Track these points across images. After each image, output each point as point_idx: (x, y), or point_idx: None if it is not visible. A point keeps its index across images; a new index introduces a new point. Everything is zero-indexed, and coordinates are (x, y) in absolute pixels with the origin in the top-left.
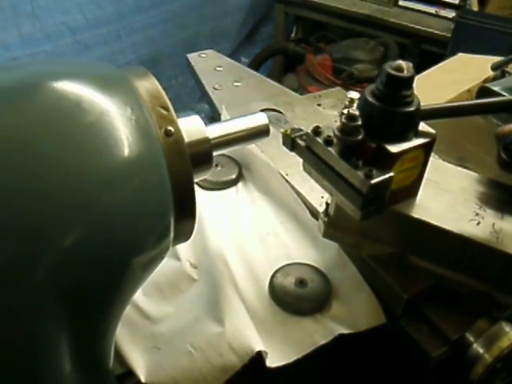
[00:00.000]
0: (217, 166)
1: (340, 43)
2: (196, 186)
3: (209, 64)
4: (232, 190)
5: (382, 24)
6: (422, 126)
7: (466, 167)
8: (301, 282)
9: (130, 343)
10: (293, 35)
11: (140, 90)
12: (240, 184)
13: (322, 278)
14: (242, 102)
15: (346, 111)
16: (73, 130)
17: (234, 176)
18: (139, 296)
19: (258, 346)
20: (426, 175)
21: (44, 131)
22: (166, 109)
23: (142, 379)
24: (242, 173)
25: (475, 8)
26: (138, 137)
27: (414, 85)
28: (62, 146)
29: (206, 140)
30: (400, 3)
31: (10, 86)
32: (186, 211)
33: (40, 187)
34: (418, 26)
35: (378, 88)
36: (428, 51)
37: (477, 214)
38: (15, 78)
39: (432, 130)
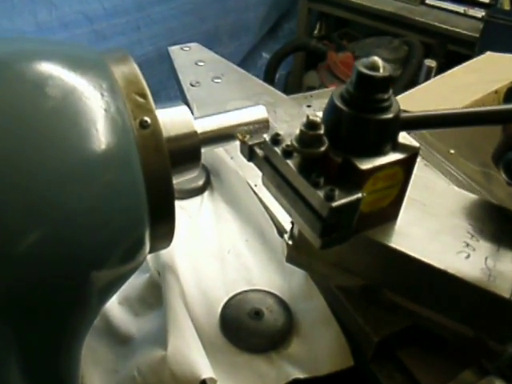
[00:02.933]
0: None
1: (363, 41)
2: None
3: (190, 58)
4: (196, 199)
5: (407, 22)
6: (403, 138)
7: (489, 173)
8: (256, 314)
9: (91, 364)
10: (316, 32)
11: (115, 74)
12: (206, 193)
13: (283, 310)
14: (218, 100)
15: (306, 118)
16: (29, 117)
17: (200, 183)
18: (113, 310)
19: (205, 373)
20: (411, 195)
21: None
22: (143, 96)
23: None
24: (210, 180)
25: (507, 7)
26: (108, 127)
27: (437, 84)
28: (14, 135)
29: (194, 134)
30: (427, 1)
31: None
32: (163, 215)
33: None
34: (444, 26)
35: (347, 90)
36: (454, 52)
37: (467, 245)
38: None
39: (415, 143)
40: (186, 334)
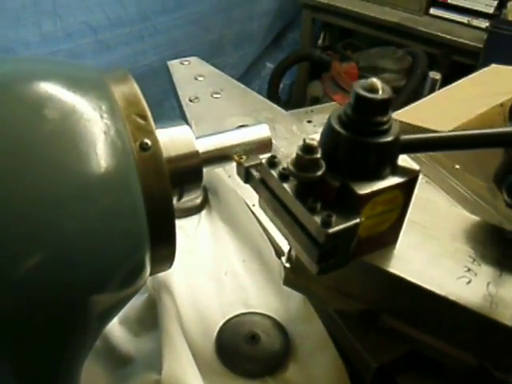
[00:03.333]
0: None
1: (367, 51)
2: None
3: (190, 72)
4: (194, 218)
5: (412, 33)
6: (403, 160)
7: (494, 189)
8: (253, 338)
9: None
10: (320, 42)
11: (116, 94)
12: (204, 212)
13: (280, 334)
14: (217, 116)
15: (302, 141)
16: (27, 140)
17: (197, 202)
18: (113, 330)
19: None
20: (410, 216)
21: None
22: (144, 118)
23: None
24: (207, 199)
25: (511, 17)
26: (107, 150)
27: (442, 97)
28: (11, 158)
29: (195, 154)
30: (431, 12)
31: None
32: (163, 238)
33: None
34: (448, 36)
35: (345, 113)
36: (458, 62)
37: (468, 270)
38: None
39: (415, 166)
40: (181, 358)
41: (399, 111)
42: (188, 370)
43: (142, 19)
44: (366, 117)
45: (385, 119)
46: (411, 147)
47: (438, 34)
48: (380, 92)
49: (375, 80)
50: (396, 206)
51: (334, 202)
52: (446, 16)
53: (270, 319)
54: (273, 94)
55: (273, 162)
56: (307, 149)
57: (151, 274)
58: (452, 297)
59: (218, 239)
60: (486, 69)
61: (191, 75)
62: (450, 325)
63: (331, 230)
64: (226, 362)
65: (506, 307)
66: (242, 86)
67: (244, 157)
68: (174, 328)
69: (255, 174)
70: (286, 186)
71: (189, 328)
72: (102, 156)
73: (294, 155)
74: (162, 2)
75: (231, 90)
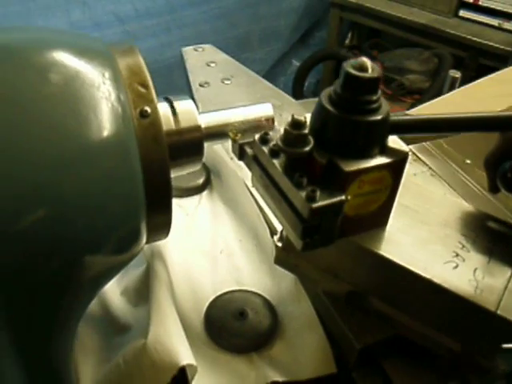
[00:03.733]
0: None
1: (393, 52)
2: None
3: (202, 59)
4: (195, 198)
5: (439, 35)
6: (393, 142)
7: None
8: (241, 314)
9: (87, 353)
10: (347, 41)
11: (120, 64)
12: (205, 193)
13: (269, 312)
14: (225, 101)
15: (291, 116)
16: (29, 102)
17: (199, 182)
18: (114, 300)
19: (184, 359)
20: (403, 201)
21: None
22: (145, 87)
23: None
24: (210, 179)
25: None
26: (108, 115)
27: (461, 95)
28: (14, 118)
29: (197, 128)
30: (461, 14)
31: None
32: (159, 205)
33: None
34: (476, 39)
35: (335, 91)
36: (486, 65)
37: (456, 255)
38: None
39: (405, 148)
40: (167, 322)
41: (417, 107)
42: (173, 333)
43: (169, 11)
44: (354, 95)
45: (374, 98)
46: (401, 128)
47: (466, 36)
48: (369, 71)
49: (365, 59)
50: (384, 186)
51: (321, 179)
52: (477, 18)
53: (260, 297)
54: (298, 92)
55: (265, 139)
56: (295, 124)
57: (148, 242)
58: (437, 280)
59: (216, 218)
60: (506, 69)
61: (204, 61)
62: (434, 309)
63: (315, 205)
64: (213, 336)
65: (491, 293)
66: (253, 73)
67: (239, 134)
68: (164, 295)
69: (248, 151)
70: (275, 161)
71: (180, 301)
72: (102, 120)
73: (282, 131)
74: None
75: (242, 76)
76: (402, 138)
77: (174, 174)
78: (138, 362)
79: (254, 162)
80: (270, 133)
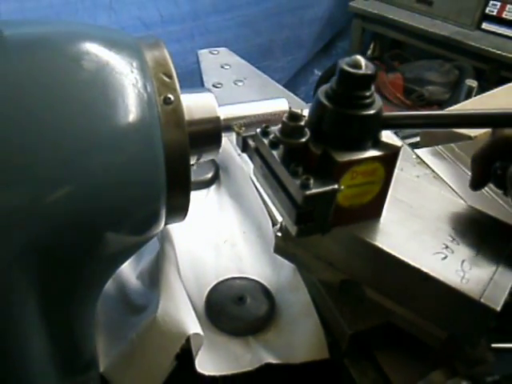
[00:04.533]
0: (192, 164)
1: (414, 63)
2: None
3: (217, 61)
4: (202, 191)
5: (461, 47)
6: (386, 136)
7: None
8: (240, 299)
9: (107, 329)
10: (369, 52)
11: (146, 55)
12: (213, 187)
13: (267, 299)
14: (237, 101)
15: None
16: (63, 86)
17: (208, 176)
18: (131, 282)
19: (192, 329)
20: (398, 196)
21: (33, 84)
22: (170, 77)
23: (101, 369)
24: (218, 174)
25: None
26: (134, 100)
27: (476, 104)
28: (48, 100)
29: (216, 119)
30: (483, 26)
31: (20, 39)
32: (178, 188)
33: (18, 138)
34: (498, 51)
35: (331, 87)
36: (507, 78)
37: (446, 247)
38: (26, 32)
39: (398, 143)
40: (175, 296)
41: None
42: (181, 305)
43: (193, 18)
44: (348, 90)
45: (367, 94)
46: (393, 123)
47: (488, 49)
48: (363, 68)
49: (359, 57)
50: (377, 178)
51: (316, 169)
52: (499, 31)
53: (259, 284)
54: None
55: (265, 132)
56: (292, 116)
57: (166, 224)
58: (425, 269)
59: (222, 211)
60: None
61: (218, 64)
62: (423, 298)
63: (308, 192)
64: (212, 319)
65: (477, 283)
66: (265, 76)
67: (243, 128)
68: (172, 273)
69: (251, 143)
70: (274, 152)
71: (184, 285)
72: (129, 104)
73: (280, 123)
74: (213, 3)
75: (254, 79)
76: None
77: (192, 161)
78: (149, 335)
79: (256, 153)
80: (271, 126)
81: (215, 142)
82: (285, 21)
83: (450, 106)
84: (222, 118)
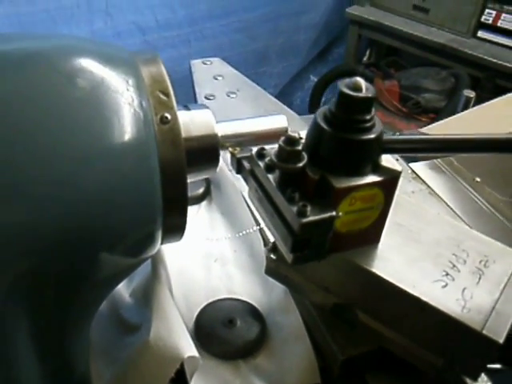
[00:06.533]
0: None
1: (410, 70)
2: None
3: (210, 72)
4: (193, 208)
5: (457, 55)
6: (386, 161)
7: None
8: (230, 322)
9: (101, 350)
10: (365, 59)
11: (143, 72)
12: (204, 203)
13: (257, 321)
14: (229, 115)
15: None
16: (56, 104)
17: (199, 192)
18: (123, 302)
19: (187, 352)
20: (397, 219)
21: (25, 102)
22: (167, 95)
23: None
24: (209, 189)
25: None
26: (130, 120)
27: (475, 114)
28: (41, 118)
29: (214, 136)
30: (479, 34)
31: (12, 55)
32: (175, 208)
33: (8, 156)
34: (494, 60)
35: (330, 110)
36: (503, 87)
37: (446, 274)
38: (18, 48)
39: (398, 167)
40: (168, 319)
41: (430, 126)
42: (174, 328)
43: (189, 24)
44: (348, 114)
45: (367, 117)
46: (394, 147)
47: (484, 57)
48: (363, 90)
49: (359, 79)
50: (376, 204)
51: (313, 195)
52: (495, 39)
53: (249, 306)
54: (314, 107)
55: (261, 154)
56: (289, 141)
57: (162, 243)
58: (425, 298)
59: (213, 229)
60: None
61: (211, 74)
62: (421, 326)
63: (305, 220)
64: (202, 341)
65: (479, 313)
66: (259, 87)
67: (238, 148)
68: (164, 294)
69: (246, 165)
70: (270, 176)
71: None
72: (124, 124)
73: (277, 147)
74: (209, 8)
75: (247, 90)
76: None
77: (190, 179)
78: (143, 359)
79: (251, 175)
80: (267, 148)
81: (213, 159)
82: (281, 27)
83: (446, 113)
84: (219, 134)
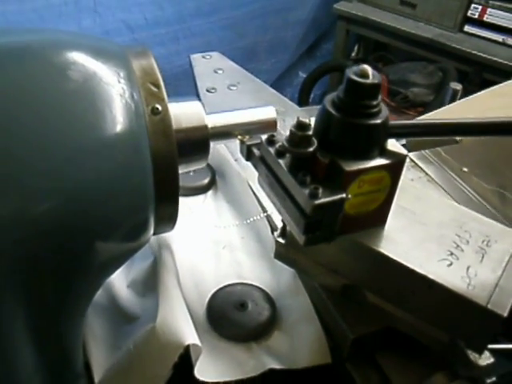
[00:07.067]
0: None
1: (398, 65)
2: None
3: (210, 66)
4: (200, 197)
5: (444, 49)
6: (392, 145)
7: (504, 195)
8: (242, 305)
9: (100, 339)
10: (354, 54)
11: (134, 65)
12: (210, 192)
13: (268, 304)
14: (231, 106)
15: (296, 119)
16: (50, 96)
17: (205, 182)
18: (122, 292)
19: (189, 339)
20: (402, 203)
21: (19, 94)
22: (157, 86)
23: (96, 379)
24: (215, 180)
25: None
26: (122, 111)
27: (461, 107)
28: (35, 110)
29: (204, 127)
30: (466, 29)
31: (5, 49)
32: (167, 197)
33: (3, 147)
34: (481, 54)
35: (338, 96)
36: (490, 81)
37: (451, 254)
38: (12, 42)
39: (403, 151)
40: (173, 306)
41: (417, 118)
42: (179, 315)
43: (178, 21)
44: (356, 100)
45: (374, 103)
46: (399, 132)
47: (471, 51)
48: (370, 77)
49: (366, 66)
50: (383, 187)
51: (324, 178)
52: (481, 34)
53: (260, 290)
54: (303, 103)
55: (271, 140)
56: (300, 126)
57: (155, 234)
58: (431, 276)
59: (220, 216)
60: (508, 82)
61: (211, 68)
62: (428, 303)
63: (317, 202)
64: (214, 325)
65: (483, 289)
66: (259, 80)
67: (247, 136)
68: (171, 282)
69: (256, 151)
70: (281, 161)
71: (184, 292)
72: (116, 115)
73: (288, 132)
74: (198, 6)
75: (247, 83)
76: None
77: (181, 170)
78: (147, 345)
79: (261, 162)
80: (276, 135)
81: (203, 150)
82: (269, 23)
83: (434, 107)
84: (209, 126)
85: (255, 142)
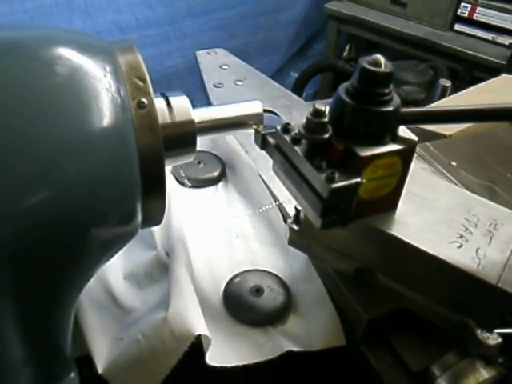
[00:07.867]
0: (199, 163)
1: None
2: (175, 182)
3: (215, 62)
4: (211, 188)
5: (435, 47)
6: (403, 131)
7: (493, 189)
8: (257, 291)
9: (99, 331)
10: (345, 54)
11: (120, 59)
12: (221, 184)
13: (283, 290)
14: (238, 101)
15: (312, 106)
16: (36, 90)
17: (215, 174)
18: (118, 285)
19: (199, 329)
20: (411, 189)
21: (5, 88)
22: (143, 81)
23: (99, 370)
24: (225, 172)
25: None
26: (108, 104)
27: (450, 103)
28: (21, 104)
29: (191, 122)
30: (456, 28)
31: None
32: (154, 190)
33: None
34: (471, 52)
35: (352, 84)
36: (480, 78)
37: (461, 236)
38: None
39: (414, 137)
40: (185, 296)
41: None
42: (190, 306)
43: (169, 22)
44: (369, 88)
45: (386, 91)
46: (410, 118)
47: (461, 49)
48: (383, 67)
49: (379, 56)
50: (395, 172)
51: (339, 163)
52: (471, 32)
53: (274, 276)
54: None
55: (287, 129)
56: (316, 113)
57: (143, 227)
58: (443, 256)
59: (232, 207)
60: (495, 78)
61: (216, 64)
62: (439, 284)
63: (334, 186)
64: (231, 310)
65: (493, 269)
66: (263, 75)
67: (261, 126)
68: (182, 273)
69: (271, 140)
70: (297, 148)
71: (200, 280)
72: (102, 109)
73: (304, 120)
74: (189, 6)
75: (253, 78)
76: None
77: (168, 164)
78: (159, 334)
79: (276, 150)
80: (292, 123)
81: (190, 144)
82: (260, 23)
83: (426, 104)
84: (196, 120)
85: (270, 131)
